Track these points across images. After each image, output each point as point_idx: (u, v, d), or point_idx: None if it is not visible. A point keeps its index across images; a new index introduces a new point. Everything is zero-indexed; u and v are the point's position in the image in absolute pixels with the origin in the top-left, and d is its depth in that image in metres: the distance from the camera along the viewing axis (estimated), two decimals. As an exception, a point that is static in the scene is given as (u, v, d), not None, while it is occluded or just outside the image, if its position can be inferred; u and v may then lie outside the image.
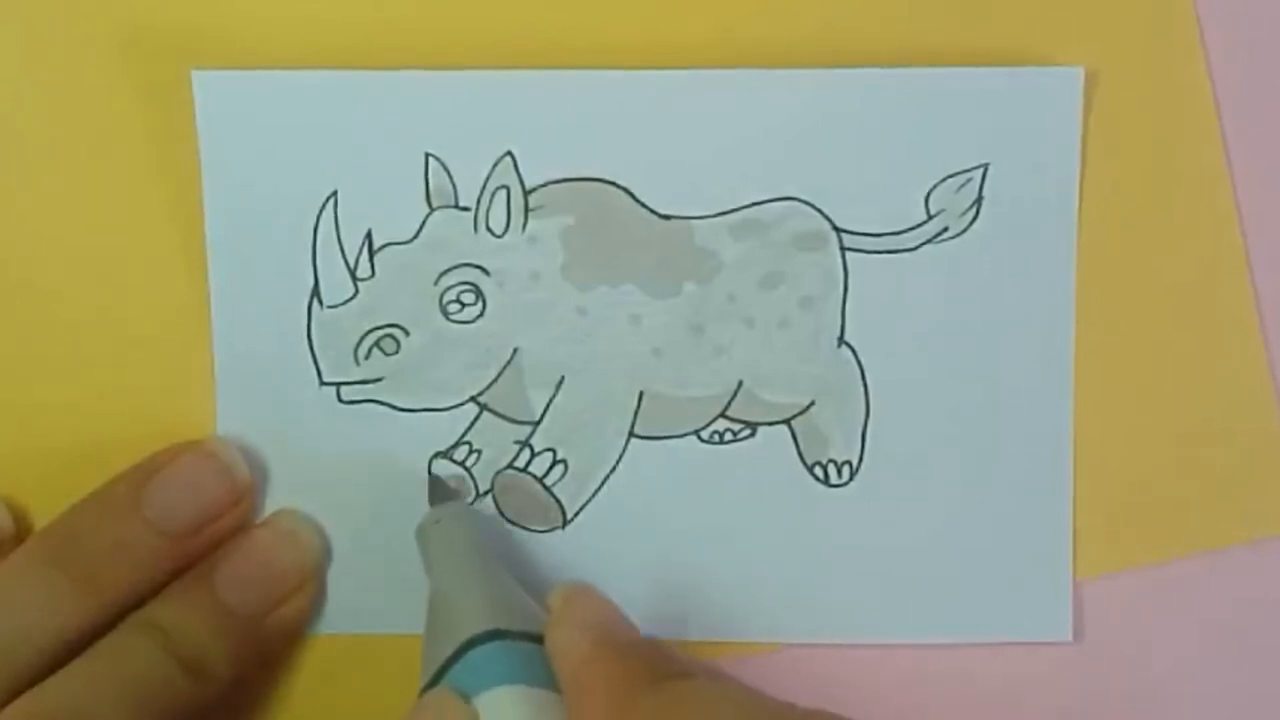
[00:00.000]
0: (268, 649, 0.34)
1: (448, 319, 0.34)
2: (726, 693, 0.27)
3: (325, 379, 0.35)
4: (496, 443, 0.35)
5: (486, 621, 0.30)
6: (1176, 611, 0.35)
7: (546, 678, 0.29)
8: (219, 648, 0.32)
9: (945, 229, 0.34)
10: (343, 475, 0.35)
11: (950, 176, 0.34)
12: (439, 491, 0.35)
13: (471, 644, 0.30)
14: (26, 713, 0.29)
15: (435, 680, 0.30)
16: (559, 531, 0.35)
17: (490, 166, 0.34)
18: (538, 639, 0.30)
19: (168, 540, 0.32)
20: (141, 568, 0.32)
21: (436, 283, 0.34)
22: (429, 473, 0.35)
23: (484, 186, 0.34)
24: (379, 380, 0.34)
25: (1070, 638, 0.35)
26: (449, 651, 0.30)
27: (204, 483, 0.33)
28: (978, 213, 0.34)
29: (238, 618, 0.33)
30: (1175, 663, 0.35)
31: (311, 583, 0.34)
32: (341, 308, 0.34)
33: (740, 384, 0.35)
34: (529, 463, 0.35)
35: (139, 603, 0.32)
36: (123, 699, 0.30)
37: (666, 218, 0.34)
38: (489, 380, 0.34)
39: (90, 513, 0.33)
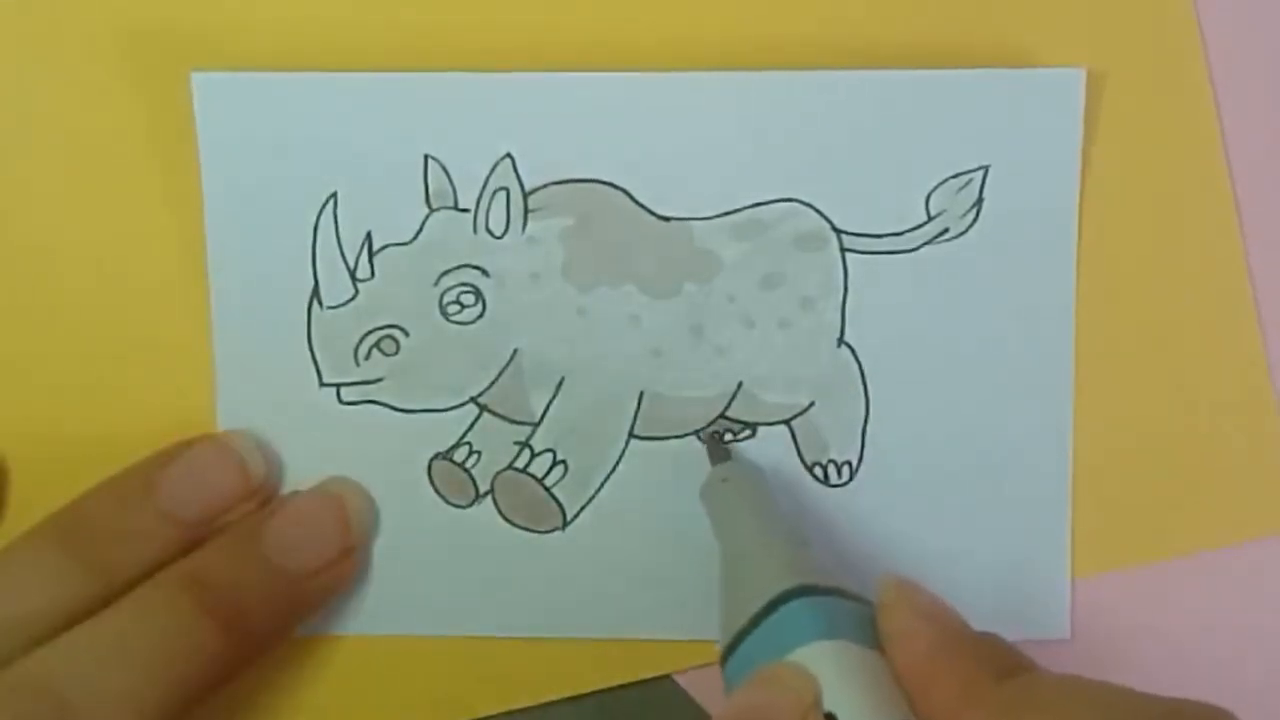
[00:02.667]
0: (304, 614, 0.34)
1: (447, 320, 0.34)
2: (1078, 685, 0.26)
3: (325, 380, 0.35)
4: (496, 443, 0.35)
5: (794, 577, 0.29)
6: (1174, 611, 0.35)
7: (862, 634, 0.28)
8: (260, 604, 0.32)
9: (945, 230, 0.34)
10: (343, 476, 0.35)
11: (951, 178, 0.34)
12: (717, 452, 0.34)
13: (782, 600, 0.28)
14: (10, 683, 0.29)
15: (739, 639, 0.29)
16: (559, 532, 0.35)
17: (489, 168, 0.34)
18: (843, 594, 0.29)
19: (178, 529, 0.32)
20: (151, 555, 0.32)
21: (436, 284, 0.34)
22: (701, 436, 0.35)
23: (483, 188, 0.34)
24: (379, 381, 0.34)
25: (1069, 636, 0.35)
26: (755, 609, 0.29)
27: (217, 474, 0.33)
28: (978, 214, 0.34)
29: (282, 575, 0.33)
30: (1173, 662, 0.35)
31: (356, 551, 0.34)
32: (341, 308, 0.34)
33: (740, 385, 0.35)
34: (529, 463, 0.35)
35: None
36: (136, 660, 0.30)
37: (666, 219, 0.34)
38: (489, 381, 0.35)
39: (103, 499, 0.33)
